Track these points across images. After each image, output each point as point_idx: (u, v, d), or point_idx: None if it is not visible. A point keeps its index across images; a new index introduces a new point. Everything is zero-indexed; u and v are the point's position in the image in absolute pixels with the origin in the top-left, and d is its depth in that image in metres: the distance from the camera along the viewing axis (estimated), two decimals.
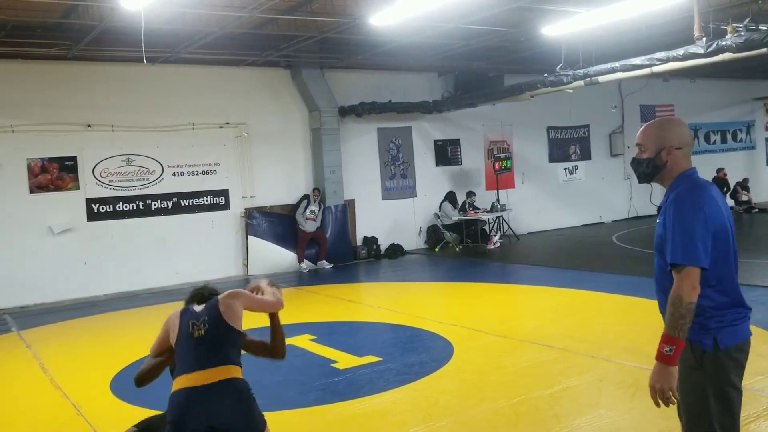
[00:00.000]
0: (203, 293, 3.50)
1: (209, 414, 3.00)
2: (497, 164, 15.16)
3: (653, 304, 7.70)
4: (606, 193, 17.98)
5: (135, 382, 3.48)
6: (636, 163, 2.99)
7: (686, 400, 2.71)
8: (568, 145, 17.52)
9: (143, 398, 5.62)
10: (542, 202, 16.79)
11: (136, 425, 3.46)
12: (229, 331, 3.25)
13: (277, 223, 13.01)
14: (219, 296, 3.41)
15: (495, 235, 14.92)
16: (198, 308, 3.33)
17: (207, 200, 12.53)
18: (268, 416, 5.01)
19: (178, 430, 3.01)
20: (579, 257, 12.48)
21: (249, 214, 12.78)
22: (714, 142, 20.39)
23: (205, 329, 3.21)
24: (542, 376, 5.50)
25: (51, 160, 11.11)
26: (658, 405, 2.64)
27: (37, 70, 10.99)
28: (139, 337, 8.12)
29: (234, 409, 3.06)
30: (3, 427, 5.32)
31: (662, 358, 2.57)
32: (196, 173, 12.42)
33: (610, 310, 7.92)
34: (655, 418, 4.40)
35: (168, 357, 3.38)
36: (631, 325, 7.01)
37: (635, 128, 19.63)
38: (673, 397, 2.58)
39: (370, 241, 14.08)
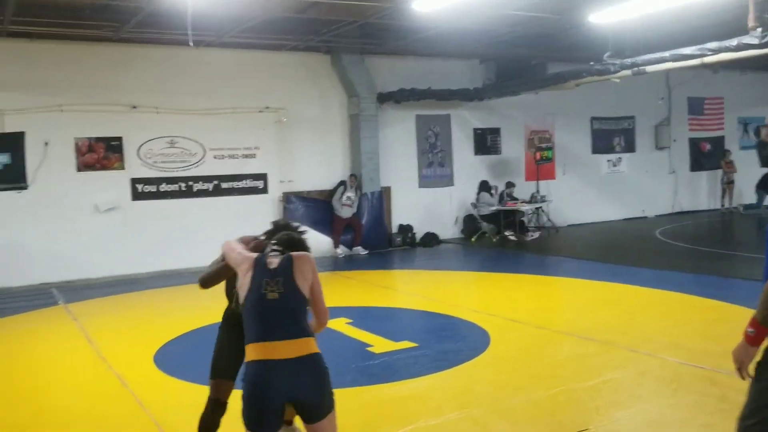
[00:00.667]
0: (283, 237, 3.32)
1: (290, 390, 2.95)
2: (538, 154, 14.98)
3: (696, 301, 7.57)
4: (650, 187, 17.63)
5: (199, 282, 3.66)
6: (762, 146, 3.05)
7: (755, 385, 2.78)
8: (612, 137, 17.21)
9: (184, 373, 5.75)
10: (583, 194, 16.55)
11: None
12: (302, 299, 3.12)
13: (314, 208, 13.08)
14: (293, 255, 3.19)
15: (532, 227, 14.78)
16: (272, 263, 3.12)
17: (246, 183, 12.66)
18: None
19: (258, 405, 2.94)
20: (620, 251, 12.28)
21: (287, 198, 12.87)
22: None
23: (280, 292, 3.05)
24: (581, 368, 5.44)
25: (98, 139, 11.34)
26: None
27: (85, 51, 11.20)
28: (181, 314, 8.31)
29: (315, 386, 3.02)
30: (53, 396, 5.48)
31: (745, 335, 2.77)
32: (236, 156, 12.55)
33: (652, 305, 7.78)
34: (699, 414, 4.33)
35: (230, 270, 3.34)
36: (673, 320, 6.89)
37: (682, 121, 19.24)
38: (744, 374, 2.76)
39: (406, 229, 14.06)
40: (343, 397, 4.99)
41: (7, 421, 4.87)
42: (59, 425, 4.76)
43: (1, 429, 4.71)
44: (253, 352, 3.01)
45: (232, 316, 3.67)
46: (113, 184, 11.45)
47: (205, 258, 12.85)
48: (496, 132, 15.50)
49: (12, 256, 10.64)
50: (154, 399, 5.10)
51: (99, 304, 9.19)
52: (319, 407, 3.02)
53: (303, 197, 13.04)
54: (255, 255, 3.22)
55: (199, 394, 5.18)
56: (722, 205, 18.13)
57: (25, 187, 10.85)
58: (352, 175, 13.24)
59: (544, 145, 15.24)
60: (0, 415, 5.02)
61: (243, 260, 3.21)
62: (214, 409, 3.70)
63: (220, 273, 3.49)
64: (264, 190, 12.83)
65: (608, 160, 17.19)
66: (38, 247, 10.86)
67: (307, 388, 2.98)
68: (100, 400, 5.24)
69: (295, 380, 2.95)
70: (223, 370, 3.74)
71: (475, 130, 15.26)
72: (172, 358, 6.27)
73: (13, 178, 10.78)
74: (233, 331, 3.65)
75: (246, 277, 3.12)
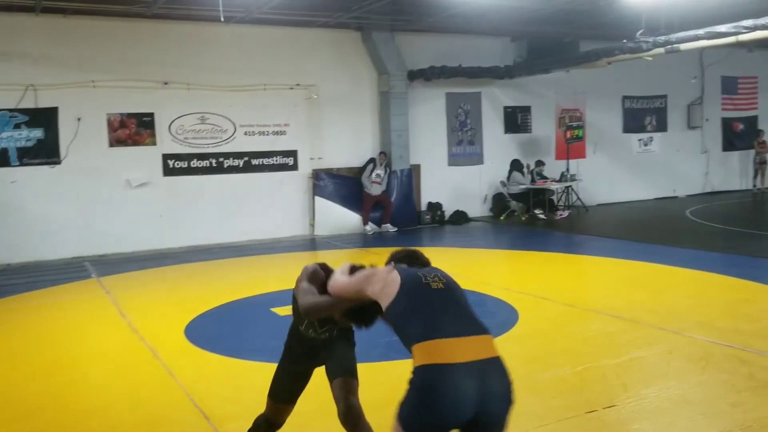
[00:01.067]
0: (403, 253, 2.93)
1: (483, 399, 2.32)
2: (569, 133, 14.81)
3: (725, 280, 7.49)
4: (681, 167, 17.36)
5: (303, 311, 3.01)
6: None
7: None
8: (643, 116, 16.94)
9: (214, 345, 5.87)
10: (614, 173, 16.36)
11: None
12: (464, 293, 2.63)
13: (343, 185, 13.13)
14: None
15: (561, 206, 14.68)
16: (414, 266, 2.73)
17: (276, 160, 12.74)
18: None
19: (452, 418, 2.32)
20: (650, 230, 12.15)
21: (316, 175, 12.93)
22: None
23: (443, 282, 2.61)
24: (609, 345, 5.42)
25: (129, 115, 11.49)
26: None
27: (117, 27, 11.32)
28: (212, 287, 8.45)
29: (505, 397, 2.40)
30: (87, 365, 5.63)
31: None
32: (266, 133, 12.62)
33: (682, 284, 7.71)
34: (726, 392, 4.30)
35: (345, 303, 2.87)
36: (702, 299, 6.82)
37: (715, 100, 18.92)
38: None
39: (435, 207, 14.05)
40: (371, 371, 5.06)
41: (43, 390, 5.02)
42: (92, 393, 4.90)
43: (38, 397, 4.86)
44: (434, 350, 2.37)
45: (299, 337, 3.41)
46: (145, 159, 11.61)
47: (235, 234, 13.04)
48: (526, 110, 15.35)
49: (46, 230, 10.88)
50: (184, 370, 5.22)
51: (131, 278, 9.38)
52: (503, 426, 2.42)
53: (332, 174, 13.09)
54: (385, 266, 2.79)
55: (228, 366, 5.32)
56: (754, 186, 17.80)
57: (58, 162, 11.05)
58: (381, 153, 13.24)
59: (574, 124, 15.07)
60: (36, 383, 5.18)
61: (372, 272, 2.73)
62: (267, 430, 3.53)
63: (335, 306, 2.93)
64: (294, 167, 12.90)
65: (639, 140, 16.94)
66: (71, 221, 11.09)
67: (498, 402, 2.37)
68: (132, 370, 5.37)
69: (492, 387, 2.35)
70: (286, 396, 3.46)
71: (506, 108, 15.13)
72: (202, 331, 6.39)
73: (47, 153, 10.99)
74: (300, 353, 3.42)
75: (390, 280, 2.61)
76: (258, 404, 4.14)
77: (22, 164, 10.83)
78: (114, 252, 11.32)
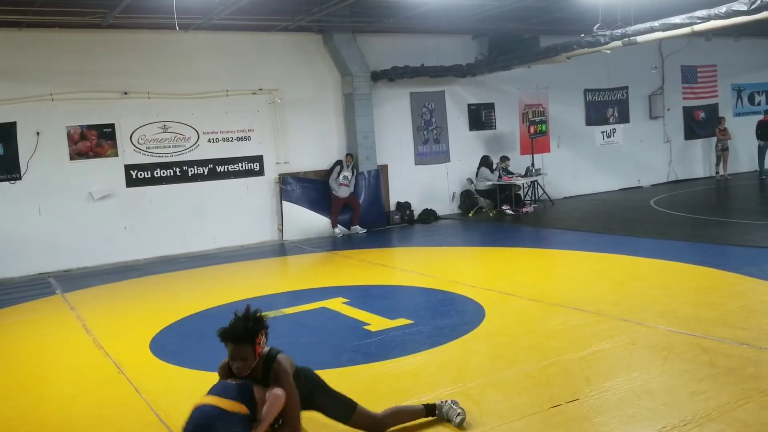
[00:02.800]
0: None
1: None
2: (532, 128, 14.96)
3: (689, 269, 7.63)
4: (645, 157, 17.63)
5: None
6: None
7: None
8: (605, 108, 17.17)
9: (179, 358, 5.81)
10: (579, 166, 16.56)
11: None
12: None
13: (311, 189, 13.10)
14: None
15: (528, 201, 14.82)
16: None
17: (242, 166, 12.66)
18: None
19: None
20: (615, 222, 12.32)
21: (283, 179, 12.88)
22: (759, 103, 19.72)
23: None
24: (574, 339, 5.49)
25: (90, 127, 11.33)
26: None
27: (73, 38, 11.15)
28: (178, 299, 8.37)
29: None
30: (49, 384, 5.55)
31: None
32: (230, 139, 12.53)
33: (646, 275, 7.83)
34: (687, 382, 4.38)
35: None
36: (666, 289, 6.93)
37: (676, 90, 19.23)
38: None
39: (404, 206, 14.09)
40: (339, 376, 5.05)
41: (7, 410, 4.93)
42: (58, 412, 4.83)
43: (7, 418, 4.77)
44: None
45: None
46: (107, 171, 11.45)
47: (202, 242, 12.94)
48: (490, 107, 15.46)
49: (8, 247, 10.68)
50: (149, 384, 5.16)
51: (96, 293, 9.24)
52: None
53: (299, 178, 13.05)
54: None
55: (192, 379, 5.27)
56: (717, 173, 18.16)
57: (18, 178, 10.85)
58: (348, 155, 13.23)
59: (537, 119, 15.21)
60: (4, 403, 5.08)
61: None
62: None
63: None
64: (260, 172, 12.84)
65: (602, 132, 17.17)
66: (35, 237, 10.89)
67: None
68: (97, 386, 5.30)
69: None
70: None
71: (470, 105, 15.23)
72: (167, 345, 6.33)
73: (6, 168, 10.78)
74: None
75: None
76: None
77: None
78: (79, 266, 11.15)
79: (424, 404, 4.11)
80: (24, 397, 5.23)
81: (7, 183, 10.79)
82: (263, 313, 3.70)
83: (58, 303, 8.64)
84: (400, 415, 4.05)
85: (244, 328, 3.54)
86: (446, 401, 4.09)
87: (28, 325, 7.65)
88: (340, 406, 3.93)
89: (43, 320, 7.81)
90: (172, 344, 6.36)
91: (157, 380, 5.30)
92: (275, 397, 3.51)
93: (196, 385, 5.15)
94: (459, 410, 4.01)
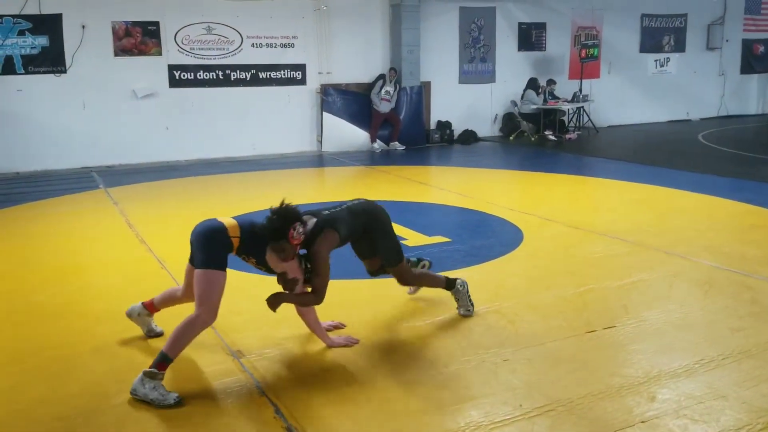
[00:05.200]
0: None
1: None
2: (583, 52, 14.45)
3: (736, 206, 7.46)
4: (697, 89, 17.00)
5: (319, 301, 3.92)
6: None
7: None
8: (661, 35, 16.44)
9: None
10: (627, 94, 16.05)
11: None
12: None
13: (352, 102, 12.94)
14: None
15: (572, 127, 14.49)
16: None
17: (284, 74, 12.52)
18: (339, 284, 5.22)
19: None
20: (660, 153, 12.01)
21: (325, 90, 12.73)
22: None
23: None
24: (613, 267, 5.45)
25: (134, 23, 11.23)
26: None
27: None
28: (219, 201, 8.48)
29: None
30: (93, 273, 5.73)
31: None
32: (274, 45, 12.34)
33: (689, 208, 7.67)
34: (727, 317, 4.34)
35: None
36: (710, 224, 6.79)
37: (737, 20, 18.39)
38: None
39: (444, 126, 13.89)
40: (375, 287, 5.12)
41: (54, 296, 5.12)
42: (102, 301, 4.99)
43: (54, 302, 4.96)
44: None
45: None
46: (151, 70, 11.43)
47: (242, 148, 13.04)
48: (541, 27, 14.91)
49: (53, 140, 10.86)
50: None
51: (138, 189, 9.41)
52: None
53: (341, 90, 12.88)
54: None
55: (232, 279, 5.34)
56: None
57: (64, 71, 10.89)
58: (391, 69, 12.97)
59: (590, 42, 14.66)
60: (52, 288, 5.28)
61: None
62: None
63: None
64: (302, 82, 12.69)
65: (656, 60, 16.52)
66: (78, 131, 11.03)
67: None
68: (140, 279, 5.45)
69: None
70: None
71: (520, 24, 14.69)
72: None
73: (52, 61, 10.81)
74: None
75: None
76: (260, 316, 4.22)
77: (27, 72, 10.68)
78: (121, 163, 11.32)
79: (446, 277, 4.53)
80: (69, 283, 5.41)
81: (52, 75, 10.84)
82: (293, 206, 3.75)
83: (102, 197, 8.82)
84: (426, 279, 4.54)
85: (272, 228, 3.61)
86: (466, 288, 4.48)
87: (72, 216, 7.84)
88: (392, 251, 4.25)
89: (86, 213, 8.00)
90: None
91: None
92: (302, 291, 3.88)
93: (236, 285, 5.26)
94: (470, 306, 4.45)
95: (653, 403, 3.26)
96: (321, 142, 12.89)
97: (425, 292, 4.96)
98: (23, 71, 10.65)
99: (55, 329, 4.42)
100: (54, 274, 5.67)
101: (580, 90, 14.51)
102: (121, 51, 11.21)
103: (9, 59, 10.52)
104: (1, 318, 4.69)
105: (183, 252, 6.18)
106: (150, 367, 3.40)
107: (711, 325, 4.23)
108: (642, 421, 3.11)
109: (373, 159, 12.11)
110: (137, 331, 4.26)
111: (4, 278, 5.61)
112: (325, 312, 4.38)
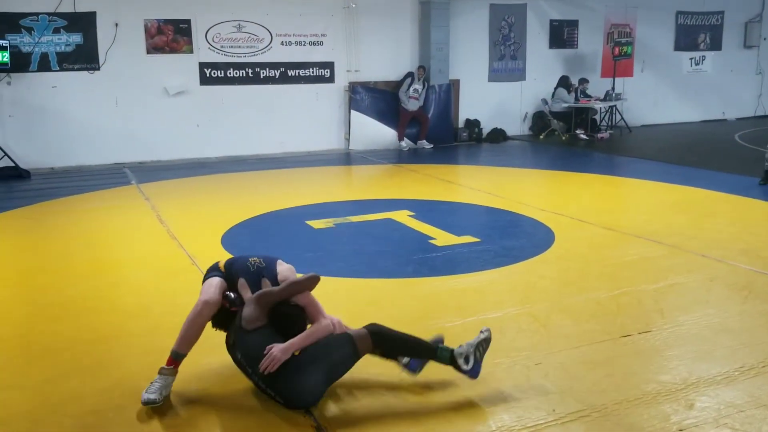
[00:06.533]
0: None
1: None
2: (617, 49, 14.22)
3: None
4: (733, 88, 16.64)
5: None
6: None
7: None
8: (697, 33, 16.13)
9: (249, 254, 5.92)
10: (661, 93, 15.78)
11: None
12: None
13: (380, 99, 12.91)
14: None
15: (603, 126, 14.28)
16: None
17: (313, 72, 12.53)
18: (367, 282, 5.19)
19: None
20: (696, 154, 11.78)
21: (353, 88, 12.71)
22: None
23: None
24: (648, 270, 5.33)
25: (166, 21, 11.32)
26: None
27: None
28: (247, 198, 8.51)
29: None
30: (125, 269, 5.78)
31: None
32: (303, 43, 12.36)
33: (726, 211, 7.49)
34: None
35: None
36: (748, 227, 6.63)
37: None
38: None
39: (473, 124, 13.79)
40: (403, 286, 5.09)
41: (86, 290, 5.17)
42: (134, 296, 5.03)
43: (88, 297, 5.00)
44: None
45: None
46: (182, 67, 11.51)
47: (270, 145, 13.12)
48: (573, 24, 14.72)
49: (87, 136, 11.00)
50: None
51: (170, 186, 9.48)
52: None
53: (369, 87, 12.85)
54: None
55: None
56: None
57: (97, 68, 11.02)
58: (420, 67, 12.90)
59: (623, 40, 14.44)
60: (86, 283, 5.33)
61: None
62: None
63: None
64: (330, 79, 12.69)
65: (691, 58, 16.22)
66: (111, 127, 11.16)
67: None
68: (171, 275, 5.48)
69: None
70: None
71: (552, 21, 14.52)
72: (238, 241, 6.47)
73: (86, 58, 10.95)
74: None
75: None
76: None
77: (62, 69, 10.84)
78: (152, 159, 11.43)
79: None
80: (101, 278, 5.46)
81: (86, 72, 10.98)
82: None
83: (134, 193, 8.91)
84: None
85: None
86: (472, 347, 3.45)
87: (104, 211, 7.92)
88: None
89: (119, 208, 8.08)
90: (243, 241, 6.50)
91: None
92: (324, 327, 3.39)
93: None
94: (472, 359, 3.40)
95: (692, 411, 3.18)
96: (349, 140, 12.87)
97: (454, 291, 4.91)
98: (58, 68, 10.80)
99: (87, 324, 4.46)
100: (87, 268, 5.73)
101: (613, 88, 14.29)
102: (153, 49, 11.31)
103: (44, 56, 10.69)
104: (36, 312, 4.75)
105: (212, 248, 6.25)
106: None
107: (751, 331, 4.12)
108: (680, 430, 3.02)
109: (400, 157, 12.07)
110: (167, 328, 4.28)
111: (38, 273, 5.68)
112: (352, 310, 4.36)
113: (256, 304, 3.37)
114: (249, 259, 3.70)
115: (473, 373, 3.37)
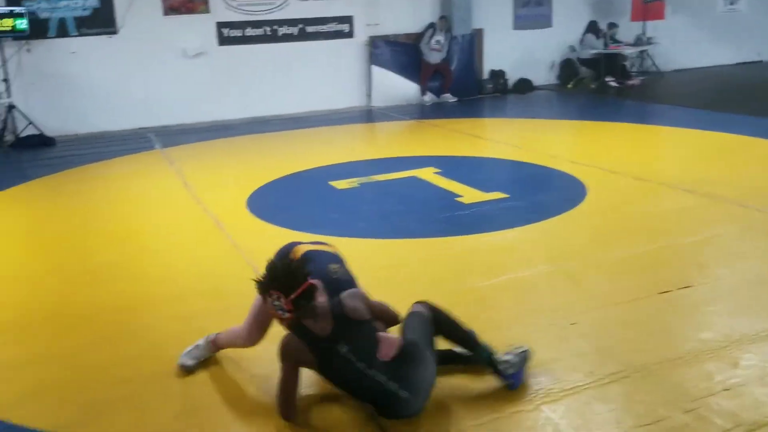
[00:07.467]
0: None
1: None
2: None
3: None
4: None
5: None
6: None
7: None
8: None
9: (275, 217, 5.88)
10: (694, 35, 15.16)
11: None
12: None
13: (402, 53, 12.60)
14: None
15: (635, 72, 13.85)
16: None
17: (331, 27, 12.26)
18: (392, 243, 5.09)
19: None
20: (731, 98, 11.35)
21: (373, 42, 12.42)
22: None
23: None
24: (684, 222, 5.15)
25: None
26: None
27: None
28: (272, 160, 8.42)
29: None
30: (151, 234, 5.76)
31: None
32: None
33: (764, 157, 7.22)
34: None
35: None
36: None
37: None
38: None
39: (497, 75, 13.44)
40: (430, 246, 4.98)
41: (113, 256, 5.16)
42: (160, 262, 5.01)
43: (112, 265, 4.99)
44: None
45: None
46: (199, 28, 11.33)
47: (292, 105, 12.94)
48: None
49: (107, 101, 10.93)
50: (246, 241, 5.23)
51: (193, 149, 9.42)
52: None
53: (390, 41, 12.54)
54: None
55: (289, 238, 5.30)
56: None
57: (115, 32, 10.89)
58: (442, 17, 12.54)
59: None
60: (110, 251, 5.32)
61: None
62: None
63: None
64: (350, 35, 12.41)
65: None
66: (133, 92, 11.08)
67: None
68: (197, 240, 5.44)
69: None
70: None
71: None
72: (263, 203, 6.40)
73: (104, 22, 10.82)
74: None
75: None
76: None
77: (80, 34, 10.73)
78: (175, 123, 11.36)
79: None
80: (128, 245, 5.44)
81: (105, 36, 10.86)
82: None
83: (158, 157, 8.87)
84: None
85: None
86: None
87: (129, 177, 7.91)
88: None
89: (143, 173, 8.05)
90: (268, 203, 6.42)
91: (254, 237, 5.38)
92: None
93: None
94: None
95: (736, 370, 3.05)
96: (370, 96, 12.65)
97: (482, 250, 4.80)
98: (76, 33, 10.70)
99: (115, 291, 4.45)
100: (114, 235, 5.72)
101: (644, 32, 13.78)
102: (170, 9, 11.13)
103: (62, 22, 10.58)
104: (62, 280, 4.75)
105: (238, 211, 6.21)
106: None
107: None
108: (725, 389, 2.91)
109: (423, 112, 11.84)
110: (194, 294, 4.24)
111: (63, 240, 5.69)
112: (378, 272, 4.26)
113: (362, 301, 3.04)
114: (329, 266, 3.27)
115: (516, 379, 3.04)
